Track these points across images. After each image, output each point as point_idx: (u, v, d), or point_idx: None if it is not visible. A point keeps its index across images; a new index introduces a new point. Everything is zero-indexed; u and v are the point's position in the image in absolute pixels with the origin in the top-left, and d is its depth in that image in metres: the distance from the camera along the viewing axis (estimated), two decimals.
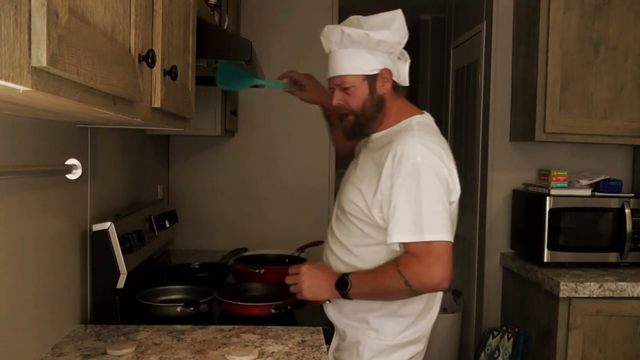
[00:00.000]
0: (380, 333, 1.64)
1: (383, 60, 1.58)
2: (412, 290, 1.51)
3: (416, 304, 1.64)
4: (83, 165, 1.44)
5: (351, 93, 1.60)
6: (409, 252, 1.51)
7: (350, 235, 1.65)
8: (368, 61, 1.57)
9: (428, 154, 1.52)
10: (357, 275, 1.58)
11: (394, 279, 1.50)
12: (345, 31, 1.53)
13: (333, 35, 1.56)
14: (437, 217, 1.48)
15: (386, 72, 1.59)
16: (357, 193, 1.60)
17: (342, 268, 1.66)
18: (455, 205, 1.60)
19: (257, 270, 2.21)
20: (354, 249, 1.64)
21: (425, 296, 1.63)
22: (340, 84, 1.61)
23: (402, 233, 1.49)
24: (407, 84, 1.66)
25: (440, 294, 1.71)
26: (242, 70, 1.90)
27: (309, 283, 1.62)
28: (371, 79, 1.59)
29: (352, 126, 1.65)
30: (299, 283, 1.64)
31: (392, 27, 1.55)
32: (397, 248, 1.55)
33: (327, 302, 1.73)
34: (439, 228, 1.48)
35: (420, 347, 1.70)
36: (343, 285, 1.57)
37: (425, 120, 1.66)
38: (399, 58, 1.64)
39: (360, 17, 1.59)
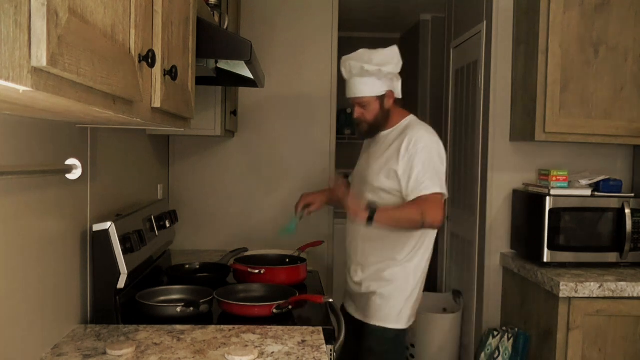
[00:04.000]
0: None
1: (387, 83, 2.15)
2: (422, 223, 2.05)
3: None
4: (83, 165, 1.44)
5: (367, 109, 2.17)
6: (423, 200, 2.05)
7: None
8: (378, 85, 2.14)
9: (432, 138, 2.16)
10: (383, 208, 2.05)
11: (415, 213, 2.04)
12: (365, 67, 2.09)
13: (354, 68, 2.12)
14: (441, 177, 2.11)
15: (390, 92, 2.18)
16: (386, 171, 2.14)
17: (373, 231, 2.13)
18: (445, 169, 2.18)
19: (257, 271, 2.21)
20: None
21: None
22: (359, 102, 2.17)
23: (424, 190, 2.06)
24: (400, 96, 2.22)
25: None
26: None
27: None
28: (381, 98, 2.16)
29: (366, 131, 2.25)
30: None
31: (393, 62, 2.13)
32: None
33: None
34: (442, 185, 2.10)
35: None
36: (372, 210, 1.99)
37: (416, 118, 2.27)
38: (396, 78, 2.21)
39: (367, 51, 2.12)
